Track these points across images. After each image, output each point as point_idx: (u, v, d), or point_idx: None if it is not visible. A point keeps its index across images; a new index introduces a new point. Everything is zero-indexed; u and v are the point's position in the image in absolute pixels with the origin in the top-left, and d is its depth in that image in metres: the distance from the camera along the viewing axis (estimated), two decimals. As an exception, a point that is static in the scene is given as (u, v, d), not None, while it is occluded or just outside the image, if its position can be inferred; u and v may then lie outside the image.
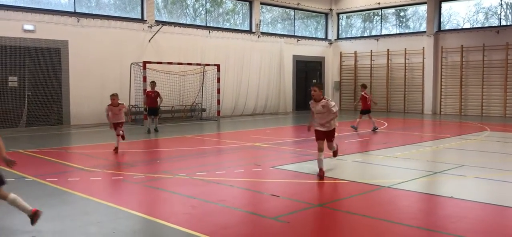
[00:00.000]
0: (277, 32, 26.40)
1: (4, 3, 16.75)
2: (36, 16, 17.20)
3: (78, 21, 18.19)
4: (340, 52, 28.47)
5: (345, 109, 27.83)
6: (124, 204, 6.53)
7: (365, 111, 16.38)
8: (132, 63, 19.10)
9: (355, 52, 27.60)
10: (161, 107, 17.33)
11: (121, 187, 7.83)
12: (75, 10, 18.43)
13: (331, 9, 28.59)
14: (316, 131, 8.44)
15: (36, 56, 17.25)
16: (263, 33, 25.06)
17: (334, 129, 8.46)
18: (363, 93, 16.58)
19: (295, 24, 27.57)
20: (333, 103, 8.24)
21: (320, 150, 8.26)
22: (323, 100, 8.25)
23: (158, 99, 16.17)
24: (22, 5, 17.20)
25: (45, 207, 6.48)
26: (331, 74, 28.89)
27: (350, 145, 12.93)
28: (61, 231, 5.49)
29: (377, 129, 16.05)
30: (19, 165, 9.62)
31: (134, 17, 20.29)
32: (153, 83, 16.36)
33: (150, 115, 16.28)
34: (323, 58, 28.62)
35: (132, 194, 7.49)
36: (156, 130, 16.28)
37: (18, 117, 16.78)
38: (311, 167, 9.33)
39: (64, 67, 17.94)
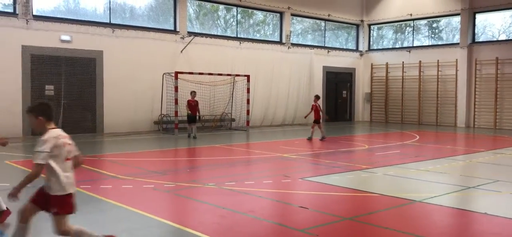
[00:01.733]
0: (307, 43, 26.40)
1: (43, 14, 17.35)
2: (73, 27, 17.73)
3: (113, 32, 18.66)
4: (371, 64, 28.20)
5: (376, 121, 27.51)
6: (155, 212, 6.64)
7: (317, 120, 16.96)
8: (164, 73, 19.43)
9: (387, 64, 27.29)
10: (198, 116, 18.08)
11: (152, 196, 7.95)
12: (110, 21, 18.93)
13: (362, 20, 28.41)
14: None
15: (72, 66, 17.76)
16: (293, 44, 25.10)
17: None
18: (316, 104, 17.11)
19: (326, 35, 27.50)
20: None
21: None
22: None
23: (198, 108, 17.52)
24: (59, 16, 17.77)
25: (79, 214, 6.65)
26: (361, 85, 28.65)
27: (381, 158, 12.77)
28: (94, 237, 5.61)
29: (325, 137, 16.80)
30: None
31: (167, 28, 20.67)
32: (194, 93, 17.57)
33: (190, 122, 17.43)
34: (354, 69, 28.41)
35: (163, 203, 7.61)
36: (194, 137, 17.05)
37: (55, 123, 17.24)
38: (340, 179, 9.27)
39: (98, 77, 18.40)
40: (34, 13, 16.96)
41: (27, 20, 16.67)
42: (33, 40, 16.79)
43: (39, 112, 4.55)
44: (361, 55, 28.68)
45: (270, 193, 8.15)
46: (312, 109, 17.14)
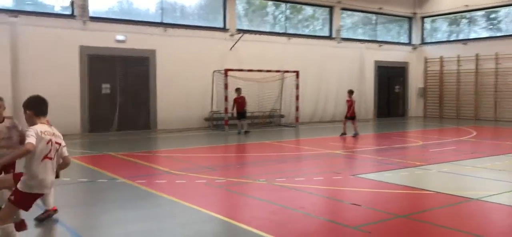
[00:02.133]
0: (357, 38, 25.96)
1: (99, 16, 18.03)
2: (127, 27, 18.32)
3: (165, 31, 19.11)
4: (425, 57, 27.36)
5: (430, 116, 26.70)
6: (207, 207, 6.77)
7: (350, 117, 16.67)
8: (214, 71, 19.70)
9: (441, 57, 26.39)
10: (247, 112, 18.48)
11: (205, 191, 8.11)
12: (162, 20, 19.40)
13: (415, 13, 27.60)
14: None
15: (126, 65, 18.36)
16: (343, 39, 24.75)
17: None
18: (351, 99, 16.79)
19: (377, 29, 26.94)
20: None
21: None
22: None
23: (245, 104, 17.88)
24: (114, 17, 18.41)
25: (136, 208, 6.91)
26: (415, 80, 27.86)
27: (436, 154, 12.39)
28: (149, 231, 5.81)
29: (358, 134, 16.40)
30: (111, 167, 10.32)
31: (216, 26, 20.93)
32: (238, 90, 17.87)
33: (239, 118, 17.84)
34: (407, 63, 27.67)
35: (215, 198, 7.75)
36: (246, 132, 17.53)
37: (110, 122, 17.94)
38: (393, 176, 9.09)
39: (151, 75, 18.92)
40: (90, 15, 17.64)
41: (84, 21, 17.37)
42: (89, 40, 17.48)
43: (28, 106, 4.57)
44: (414, 48, 27.88)
45: (320, 189, 8.11)
46: (347, 104, 16.89)
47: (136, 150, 13.21)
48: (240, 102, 17.71)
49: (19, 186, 4.48)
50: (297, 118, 20.82)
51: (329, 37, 24.40)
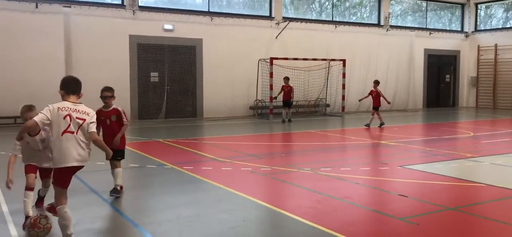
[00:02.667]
0: (407, 25, 25.25)
1: (148, 5, 18.43)
2: (175, 16, 18.63)
3: (211, 20, 19.30)
4: (478, 46, 26.28)
5: (482, 107, 25.70)
6: (252, 194, 6.84)
7: (376, 107, 16.21)
8: (259, 60, 19.74)
9: (496, 45, 25.27)
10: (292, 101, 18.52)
11: (250, 178, 8.19)
12: (209, 9, 19.59)
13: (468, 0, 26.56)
14: None
15: (174, 54, 18.70)
16: (392, 26, 24.15)
17: None
18: (376, 89, 16.32)
19: (427, 16, 26.10)
20: None
21: None
22: None
23: (292, 93, 17.89)
24: (162, 6, 18.77)
25: (183, 193, 7.08)
26: (466, 69, 26.85)
27: (488, 146, 11.94)
28: (197, 215, 5.94)
29: (384, 124, 16.00)
30: (159, 153, 10.59)
31: (262, 14, 20.94)
32: (286, 79, 17.96)
33: (284, 107, 17.93)
34: (458, 51, 26.69)
35: (260, 185, 7.81)
36: (289, 120, 17.75)
37: (158, 109, 18.37)
38: (442, 168, 8.85)
39: (198, 64, 19.19)
40: (139, 4, 18.06)
41: (133, 11, 17.81)
42: (139, 29, 17.92)
43: (60, 86, 4.76)
44: (467, 36, 26.84)
45: (367, 180, 8.01)
46: (369, 94, 16.54)
47: (183, 137, 13.48)
48: (287, 91, 17.78)
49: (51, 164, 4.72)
50: (343, 108, 20.58)
51: (377, 25, 23.88)
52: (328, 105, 21.87)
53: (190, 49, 19.03)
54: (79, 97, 4.80)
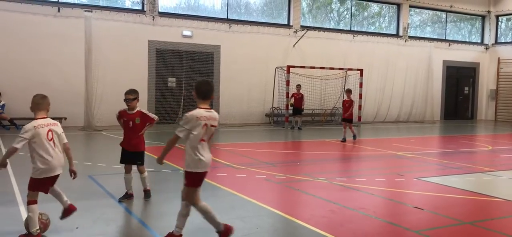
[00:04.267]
0: (426, 36, 25.07)
1: (167, 11, 18.62)
2: (194, 22, 18.80)
3: (229, 27, 19.42)
4: (498, 58, 25.94)
5: (501, 120, 25.32)
6: (266, 202, 6.84)
7: (347, 119, 14.65)
8: (276, 67, 19.77)
9: (517, 58, 24.93)
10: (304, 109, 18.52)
11: (264, 186, 8.19)
12: (227, 16, 19.72)
13: (489, 11, 26.22)
14: None
15: (192, 60, 18.85)
16: (410, 37, 24.01)
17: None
18: (349, 99, 14.61)
19: (447, 27, 25.87)
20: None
21: None
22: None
23: (303, 101, 17.92)
24: (181, 13, 18.95)
25: (197, 198, 7.10)
26: (486, 81, 26.51)
27: (506, 160, 11.75)
28: (210, 222, 5.95)
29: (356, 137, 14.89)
30: (175, 158, 10.65)
31: (280, 22, 20.99)
32: (298, 86, 18.06)
33: (295, 114, 18.01)
34: (478, 64, 26.38)
35: (274, 193, 7.81)
36: (299, 128, 17.72)
37: (175, 114, 18.51)
38: (459, 181, 8.75)
39: (215, 70, 19.31)
40: (159, 10, 18.27)
41: (153, 17, 18.02)
42: (158, 35, 18.13)
43: (195, 90, 4.95)
44: (487, 48, 26.52)
45: (382, 191, 7.95)
46: (345, 105, 14.80)
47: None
48: (298, 98, 17.83)
49: (188, 168, 4.94)
50: (359, 117, 20.48)
51: (396, 35, 23.76)
52: (344, 115, 21.77)
53: (207, 55, 19.16)
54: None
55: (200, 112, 4.83)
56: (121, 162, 6.83)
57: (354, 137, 14.82)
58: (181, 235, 4.99)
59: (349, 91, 14.92)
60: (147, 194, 6.99)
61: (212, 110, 4.95)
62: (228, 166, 9.81)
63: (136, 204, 6.73)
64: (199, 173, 4.92)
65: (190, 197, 4.94)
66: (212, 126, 4.90)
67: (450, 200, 7.47)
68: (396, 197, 7.69)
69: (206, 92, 4.91)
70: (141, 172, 6.90)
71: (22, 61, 16.15)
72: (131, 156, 6.77)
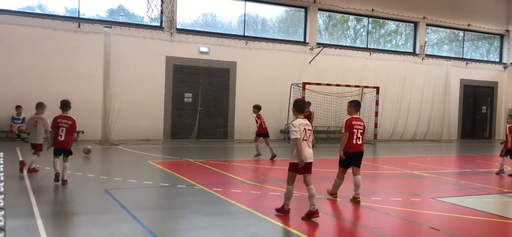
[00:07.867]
0: (443, 54, 24.92)
1: (185, 28, 18.86)
2: (211, 39, 19.00)
3: (246, 44, 19.58)
4: (517, 77, 25.63)
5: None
6: (280, 219, 6.83)
7: (261, 134, 14.16)
8: (292, 84, 19.82)
9: (536, 77, 24.59)
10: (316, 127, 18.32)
11: (278, 203, 8.16)
12: (244, 33, 19.89)
13: (507, 30, 25.99)
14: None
15: (208, 76, 19.01)
16: (427, 55, 23.89)
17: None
18: (257, 113, 14.19)
19: (464, 46, 25.68)
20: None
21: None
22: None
23: (312, 118, 17.53)
24: (199, 29, 19.18)
25: (211, 215, 7.14)
26: (505, 101, 26.17)
27: (526, 181, 11.54)
28: (224, 238, 5.97)
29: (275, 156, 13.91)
30: (190, 173, 10.72)
31: (296, 39, 21.08)
32: (308, 103, 17.60)
33: None
34: (496, 83, 26.08)
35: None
36: (313, 146, 17.07)
37: (190, 129, 18.63)
38: (476, 202, 8.63)
39: (231, 86, 19.43)
40: (177, 27, 18.52)
41: (171, 33, 18.26)
42: (175, 51, 18.35)
43: (293, 106, 7.06)
44: (505, 67, 26.23)
45: (397, 210, 7.88)
46: (258, 120, 14.32)
47: (214, 158, 13.59)
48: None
49: (291, 159, 7.05)
50: (375, 135, 20.37)
51: (413, 53, 23.67)
52: (360, 132, 21.64)
53: (224, 71, 19.31)
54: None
55: (299, 121, 6.86)
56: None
57: (273, 156, 14.00)
58: (313, 210, 6.84)
59: (256, 107, 14.55)
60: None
61: (305, 119, 7.03)
62: (243, 182, 9.83)
63: (151, 218, 6.77)
64: (295, 164, 6.97)
65: (289, 179, 7.02)
66: (309, 130, 6.93)
67: (467, 221, 7.37)
68: (412, 217, 7.61)
69: (303, 108, 7.17)
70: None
71: (42, 75, 16.48)
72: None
